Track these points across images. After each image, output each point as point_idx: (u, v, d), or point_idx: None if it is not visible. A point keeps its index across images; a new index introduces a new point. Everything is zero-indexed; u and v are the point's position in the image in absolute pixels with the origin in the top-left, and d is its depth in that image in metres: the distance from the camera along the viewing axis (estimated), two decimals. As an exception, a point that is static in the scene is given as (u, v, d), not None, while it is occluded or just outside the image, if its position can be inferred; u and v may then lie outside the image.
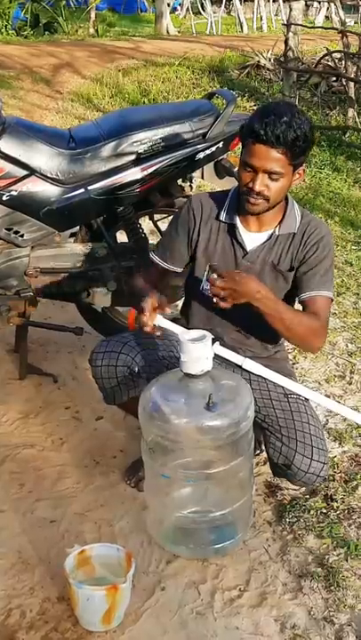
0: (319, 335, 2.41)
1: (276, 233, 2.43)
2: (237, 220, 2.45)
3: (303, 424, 2.41)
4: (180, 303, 3.07)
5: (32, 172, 3.06)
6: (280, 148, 2.21)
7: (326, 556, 2.43)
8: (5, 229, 3.13)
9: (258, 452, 2.83)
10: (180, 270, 2.59)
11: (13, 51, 11.97)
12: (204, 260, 2.49)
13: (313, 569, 2.38)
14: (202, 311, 2.55)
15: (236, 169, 3.41)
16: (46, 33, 16.40)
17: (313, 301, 2.40)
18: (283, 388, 2.48)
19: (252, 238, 2.45)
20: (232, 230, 2.46)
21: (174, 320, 2.56)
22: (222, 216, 2.47)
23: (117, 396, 2.57)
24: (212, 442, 2.21)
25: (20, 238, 3.16)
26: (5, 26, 15.40)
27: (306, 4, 17.23)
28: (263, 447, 2.81)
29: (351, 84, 8.26)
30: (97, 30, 17.05)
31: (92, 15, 17.22)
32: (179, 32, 18.46)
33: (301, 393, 2.46)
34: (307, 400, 2.52)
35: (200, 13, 21.57)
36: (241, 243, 2.45)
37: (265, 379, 2.48)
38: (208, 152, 3.26)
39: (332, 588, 2.30)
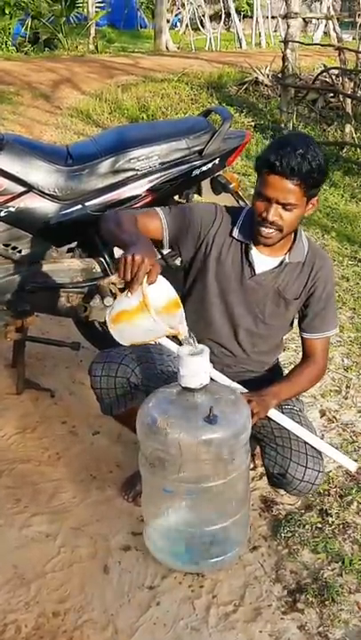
0: (319, 378, 2.65)
1: (287, 260, 2.45)
2: (251, 241, 2.44)
3: None
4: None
5: (30, 188, 3.08)
6: (295, 179, 2.21)
7: (321, 571, 2.43)
8: (3, 245, 3.15)
9: (252, 465, 2.84)
10: (166, 245, 2.51)
11: (13, 66, 12.05)
12: (214, 268, 2.48)
13: (308, 584, 2.38)
14: (195, 332, 2.55)
15: (232, 185, 3.46)
16: (46, 49, 16.52)
17: (315, 344, 2.57)
18: None
19: (263, 261, 2.45)
20: (245, 249, 2.45)
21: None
22: (235, 233, 2.45)
23: (115, 406, 2.57)
24: (212, 455, 2.21)
25: (17, 254, 3.18)
26: (6, 42, 15.50)
27: (304, 21, 17.35)
28: (257, 461, 2.82)
29: (348, 100, 8.33)
30: (97, 46, 17.17)
31: (92, 31, 17.35)
32: (178, 48, 18.59)
33: (315, 445, 2.47)
34: (300, 410, 2.55)
35: (199, 29, 21.71)
36: (251, 263, 2.45)
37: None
38: (204, 169, 3.28)
39: (326, 602, 2.30)
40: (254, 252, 2.44)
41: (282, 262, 2.45)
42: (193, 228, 2.46)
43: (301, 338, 2.58)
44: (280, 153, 2.19)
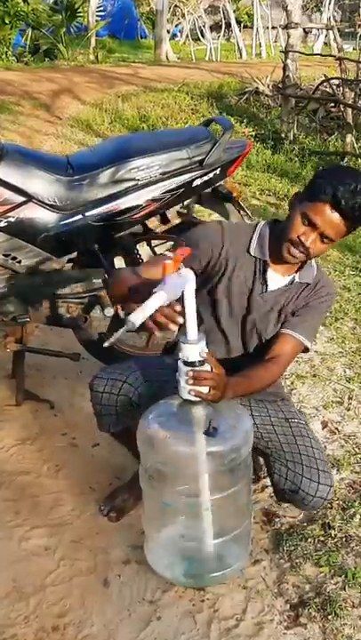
0: (271, 383, 2.42)
1: (297, 279, 2.42)
2: (268, 258, 2.41)
3: (307, 448, 2.41)
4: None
5: (30, 198, 3.06)
6: (350, 219, 2.21)
7: (324, 585, 2.41)
8: (3, 255, 3.13)
9: (254, 477, 2.81)
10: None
11: (14, 77, 12.09)
12: (225, 284, 2.43)
13: (310, 598, 2.35)
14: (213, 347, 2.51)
15: (233, 195, 3.44)
16: (46, 59, 16.56)
17: (285, 341, 2.42)
18: (283, 412, 2.49)
19: (276, 279, 2.43)
20: (261, 266, 2.41)
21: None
22: (253, 250, 2.41)
23: (112, 424, 2.53)
24: (213, 468, 2.19)
25: (17, 264, 3.16)
26: (6, 52, 15.54)
27: (304, 32, 17.41)
28: (259, 474, 2.80)
29: (349, 109, 8.34)
30: (97, 56, 17.22)
31: (93, 42, 17.42)
32: (178, 58, 18.66)
33: None
34: (306, 424, 2.52)
35: (200, 40, 21.80)
36: (266, 280, 2.42)
37: (265, 405, 2.48)
38: (205, 178, 3.28)
39: (329, 617, 2.28)
40: (272, 269, 2.41)
41: (292, 281, 2.43)
42: (205, 249, 2.38)
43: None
44: (345, 190, 2.17)
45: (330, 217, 2.22)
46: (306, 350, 2.49)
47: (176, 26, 24.18)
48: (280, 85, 9.82)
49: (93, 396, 2.50)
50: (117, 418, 2.49)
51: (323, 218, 2.22)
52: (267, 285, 2.42)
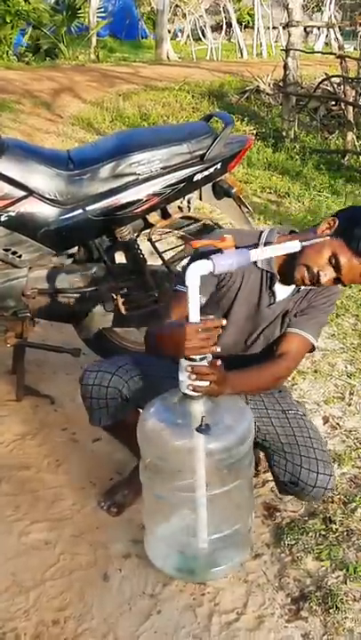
0: (282, 380, 2.47)
1: (302, 287, 2.41)
2: (275, 271, 2.38)
3: (305, 438, 2.40)
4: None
5: (30, 192, 3.06)
6: None
7: (325, 579, 2.40)
8: (3, 250, 3.12)
9: (254, 472, 2.80)
10: (204, 300, 2.31)
11: (14, 75, 12.08)
12: (234, 295, 2.41)
13: (311, 592, 2.34)
14: None
15: (234, 190, 3.43)
16: (47, 59, 16.56)
17: (292, 339, 2.41)
18: (280, 404, 2.48)
19: (283, 289, 2.41)
20: (268, 279, 2.39)
21: None
22: (260, 262, 2.36)
23: (103, 417, 2.51)
24: (212, 464, 2.18)
25: (17, 259, 3.16)
26: (7, 51, 15.55)
27: (305, 31, 17.39)
28: (259, 469, 2.79)
29: (350, 107, 8.33)
30: (98, 56, 17.23)
31: (93, 41, 17.42)
32: (179, 58, 18.66)
33: None
34: (305, 414, 2.51)
35: (200, 40, 21.80)
36: (274, 292, 2.40)
37: (262, 398, 2.47)
38: (206, 173, 3.27)
39: (330, 610, 2.26)
40: (278, 281, 2.39)
41: (298, 289, 2.41)
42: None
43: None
44: None
45: (358, 272, 2.21)
46: (312, 349, 2.47)
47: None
48: (281, 84, 9.81)
49: (83, 390, 2.49)
50: (108, 411, 2.47)
51: (352, 270, 2.21)
52: (275, 297, 2.41)
